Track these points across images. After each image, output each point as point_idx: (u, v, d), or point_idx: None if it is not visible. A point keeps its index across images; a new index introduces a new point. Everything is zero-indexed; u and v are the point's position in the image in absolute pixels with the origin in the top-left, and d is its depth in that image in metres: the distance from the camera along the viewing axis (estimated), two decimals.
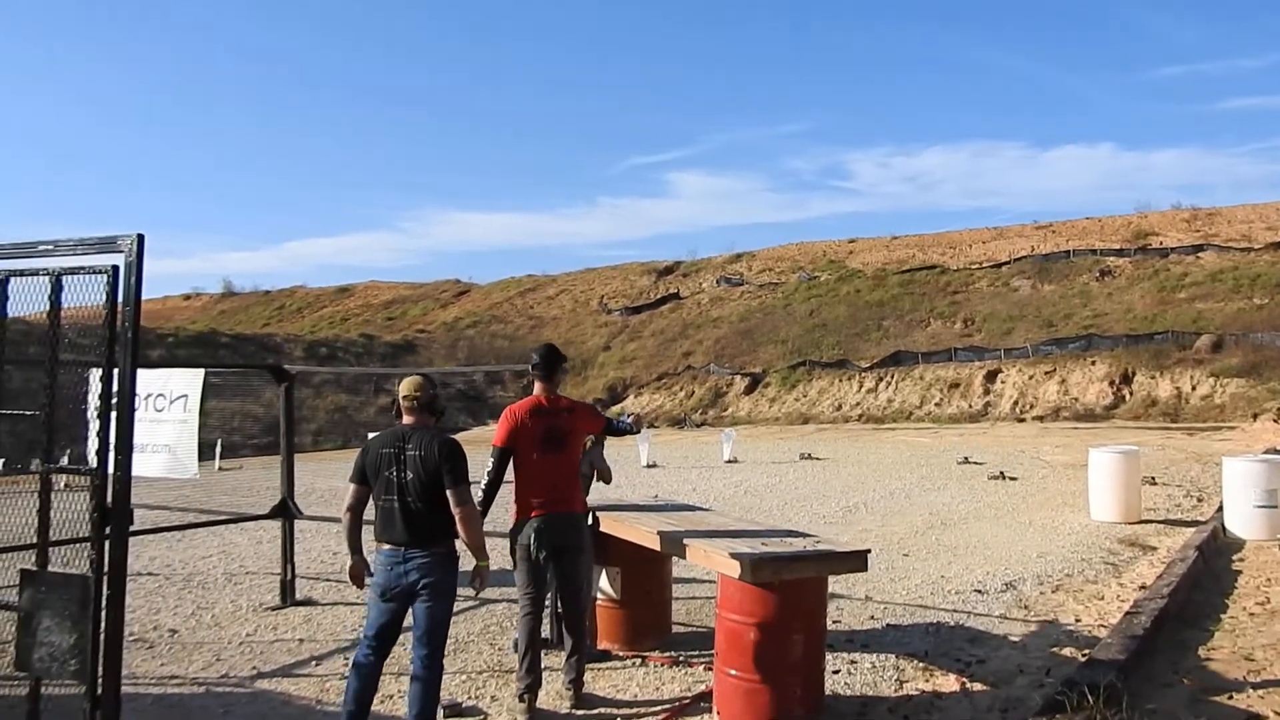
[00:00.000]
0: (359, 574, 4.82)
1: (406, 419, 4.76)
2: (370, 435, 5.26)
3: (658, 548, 5.85)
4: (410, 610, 4.66)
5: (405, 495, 4.58)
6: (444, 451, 4.60)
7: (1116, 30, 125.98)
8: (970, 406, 32.78)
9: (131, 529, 3.84)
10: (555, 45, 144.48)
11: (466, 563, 4.67)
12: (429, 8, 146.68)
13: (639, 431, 6.32)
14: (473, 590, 4.75)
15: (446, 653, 6.44)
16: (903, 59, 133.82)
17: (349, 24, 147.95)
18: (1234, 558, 9.22)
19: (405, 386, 4.81)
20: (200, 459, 7.82)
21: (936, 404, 33.53)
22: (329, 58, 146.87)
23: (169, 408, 7.70)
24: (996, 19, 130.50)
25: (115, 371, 3.71)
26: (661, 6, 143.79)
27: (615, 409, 35.92)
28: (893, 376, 35.61)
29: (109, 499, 3.71)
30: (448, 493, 4.56)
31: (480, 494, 5.26)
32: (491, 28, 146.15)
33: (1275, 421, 25.39)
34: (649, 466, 19.54)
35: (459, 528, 4.60)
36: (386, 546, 4.63)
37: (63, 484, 4.61)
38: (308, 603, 7.95)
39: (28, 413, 4.13)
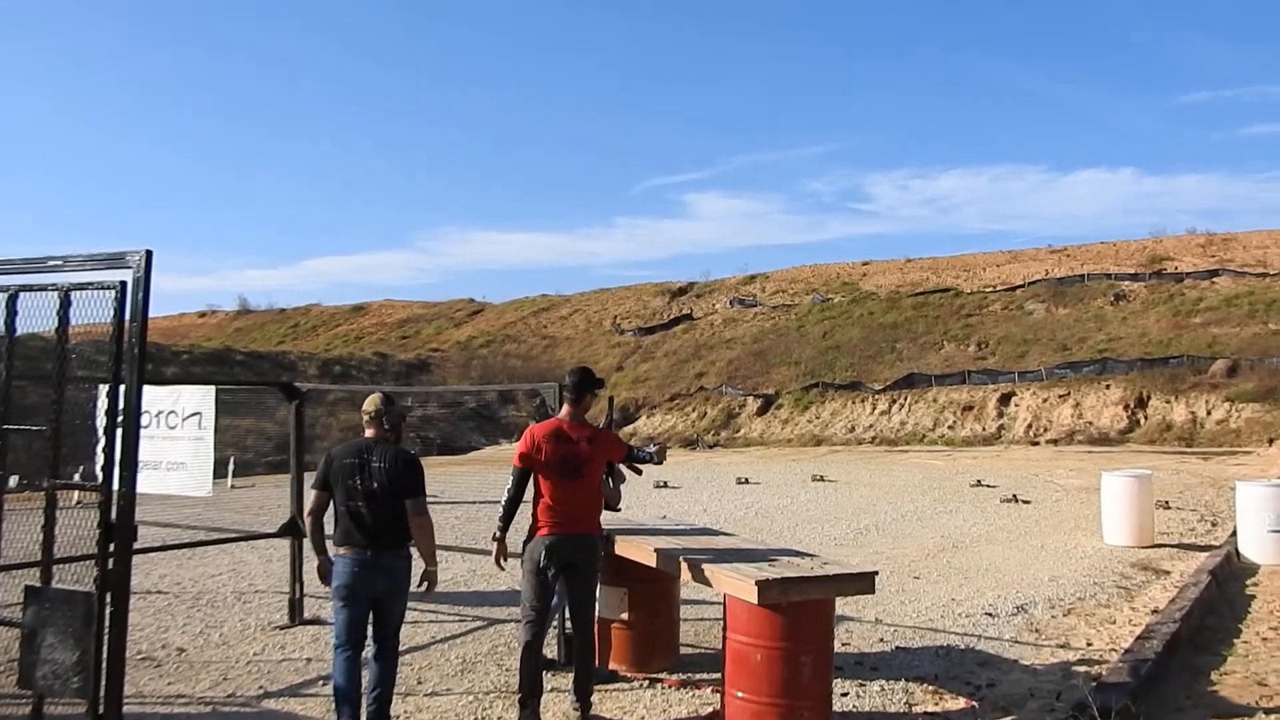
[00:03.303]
0: (326, 573, 5.19)
1: (368, 432, 5.18)
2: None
3: (664, 568, 5.84)
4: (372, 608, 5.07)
5: (370, 503, 4.97)
6: (406, 466, 5.05)
7: (1142, 54, 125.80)
8: (984, 429, 32.60)
9: (141, 546, 3.87)
10: (578, 67, 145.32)
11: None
12: (451, 28, 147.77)
13: (661, 462, 6.22)
14: (420, 589, 5.17)
15: (453, 673, 6.49)
16: (927, 81, 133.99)
17: (372, 42, 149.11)
18: (1248, 582, 9.13)
19: (367, 403, 5.24)
20: (214, 476, 7.85)
21: (950, 427, 33.36)
22: (352, 75, 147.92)
23: (182, 425, 7.74)
24: (1022, 42, 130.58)
25: (121, 388, 3.73)
26: (687, 30, 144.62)
27: (628, 429, 35.88)
28: (906, 399, 35.46)
29: (113, 515, 3.73)
30: (407, 503, 4.98)
31: (500, 510, 5.47)
32: (516, 48, 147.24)
33: None
34: (659, 486, 19.49)
35: (415, 535, 5.03)
36: (348, 551, 5.00)
37: (74, 500, 4.64)
38: (316, 622, 7.94)
39: (35, 429, 4.16)
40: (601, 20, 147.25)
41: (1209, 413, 29.52)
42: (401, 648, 7.01)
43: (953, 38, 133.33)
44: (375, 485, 4.96)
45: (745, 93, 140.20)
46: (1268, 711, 5.40)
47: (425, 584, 5.15)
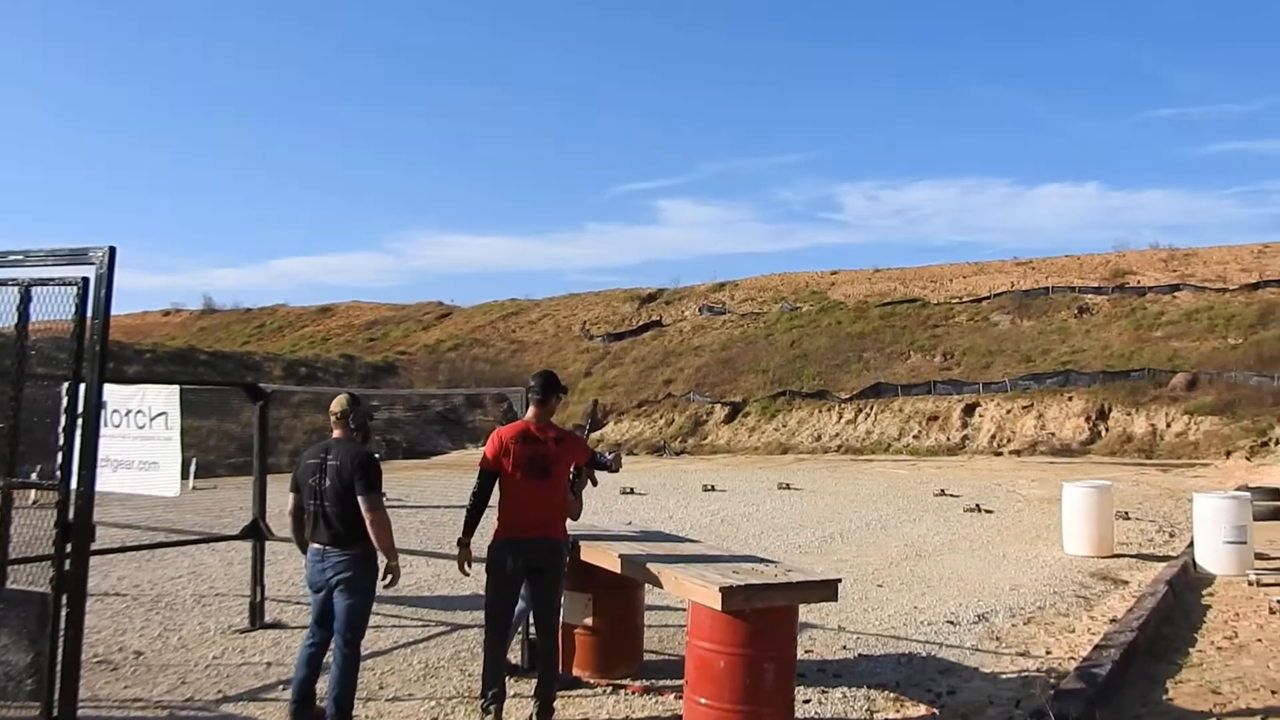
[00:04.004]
0: None
1: (335, 432, 5.33)
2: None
3: (628, 574, 5.84)
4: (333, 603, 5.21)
5: (324, 500, 5.12)
6: (357, 462, 5.12)
7: (1108, 71, 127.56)
8: (948, 439, 32.89)
9: (99, 547, 3.81)
10: (553, 72, 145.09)
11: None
12: (426, 26, 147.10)
13: (617, 470, 6.28)
14: (384, 584, 5.24)
15: (415, 678, 6.45)
16: (899, 93, 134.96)
17: (347, 37, 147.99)
18: (1203, 592, 9.27)
19: (333, 404, 5.37)
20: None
21: (915, 436, 33.62)
22: (326, 73, 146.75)
23: (150, 424, 7.65)
24: (992, 57, 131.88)
25: (82, 386, 3.68)
26: (660, 37, 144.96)
27: (594, 437, 35.82)
28: (872, 408, 35.71)
29: (71, 515, 3.68)
30: (359, 499, 5.05)
31: (465, 514, 5.48)
32: (491, 50, 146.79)
33: (1247, 459, 25.64)
34: (626, 493, 19.49)
35: (370, 530, 5.08)
36: (314, 546, 5.23)
37: (31, 499, 4.57)
38: (277, 626, 7.87)
39: None
40: (577, 22, 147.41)
41: (1168, 425, 29.96)
42: (364, 652, 6.98)
43: (925, 52, 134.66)
44: (329, 483, 5.11)
45: (717, 101, 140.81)
46: (1220, 719, 5.49)
47: (389, 578, 5.20)
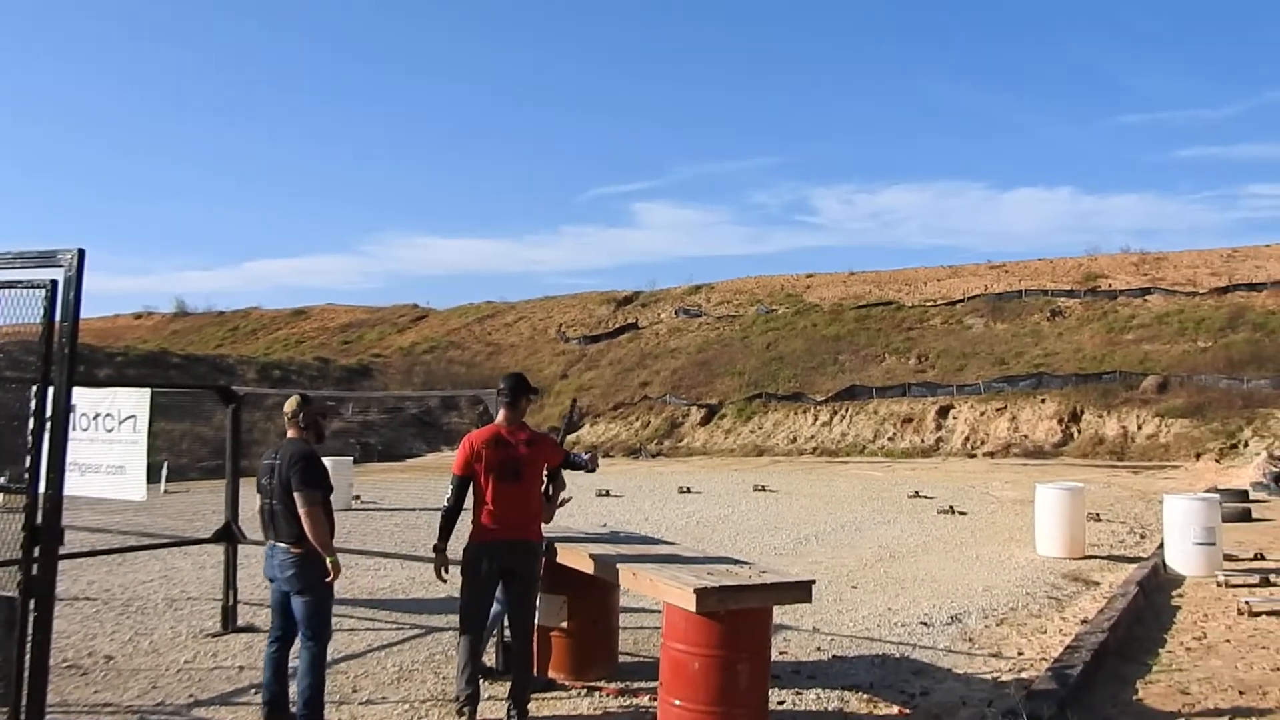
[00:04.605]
0: None
1: (289, 433, 5.45)
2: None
3: (603, 576, 5.84)
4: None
5: (271, 498, 5.25)
6: (295, 460, 5.19)
7: (1081, 76, 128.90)
8: (923, 441, 33.07)
9: (68, 551, 3.77)
10: (529, 74, 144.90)
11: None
12: (403, 28, 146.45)
13: (593, 470, 6.30)
14: (325, 579, 5.22)
15: (389, 681, 6.42)
16: (875, 97, 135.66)
17: (322, 38, 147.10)
18: (1173, 593, 9.37)
19: (286, 405, 5.50)
20: (147, 481, 7.69)
21: (890, 438, 33.78)
22: (298, 73, 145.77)
23: (119, 428, 7.58)
24: (967, 62, 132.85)
25: (50, 389, 3.65)
26: (638, 41, 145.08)
27: (570, 439, 35.77)
28: (847, 410, 35.84)
29: (39, 518, 3.64)
30: (295, 495, 5.12)
31: (439, 521, 5.50)
32: (466, 52, 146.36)
33: (1217, 461, 25.93)
34: (602, 495, 19.48)
35: (305, 526, 5.12)
36: (269, 542, 5.35)
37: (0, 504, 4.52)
38: (249, 629, 7.80)
39: None
40: (554, 24, 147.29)
41: (1140, 427, 30.25)
42: (337, 655, 6.95)
43: (901, 57, 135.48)
44: (275, 482, 5.23)
45: (694, 104, 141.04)
46: (1189, 718, 5.55)
47: (329, 575, 5.22)
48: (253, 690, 6.16)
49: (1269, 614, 8.08)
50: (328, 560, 5.15)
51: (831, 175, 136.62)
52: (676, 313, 51.31)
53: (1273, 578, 9.79)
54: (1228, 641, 7.32)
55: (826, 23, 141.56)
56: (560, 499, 6.25)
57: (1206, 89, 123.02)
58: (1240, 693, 6.01)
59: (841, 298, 48.27)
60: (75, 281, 3.61)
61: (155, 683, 6.40)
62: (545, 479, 5.88)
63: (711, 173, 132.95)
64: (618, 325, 51.55)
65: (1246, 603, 8.33)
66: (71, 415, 6.44)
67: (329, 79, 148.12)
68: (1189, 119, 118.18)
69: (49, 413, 3.66)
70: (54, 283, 3.69)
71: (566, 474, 6.18)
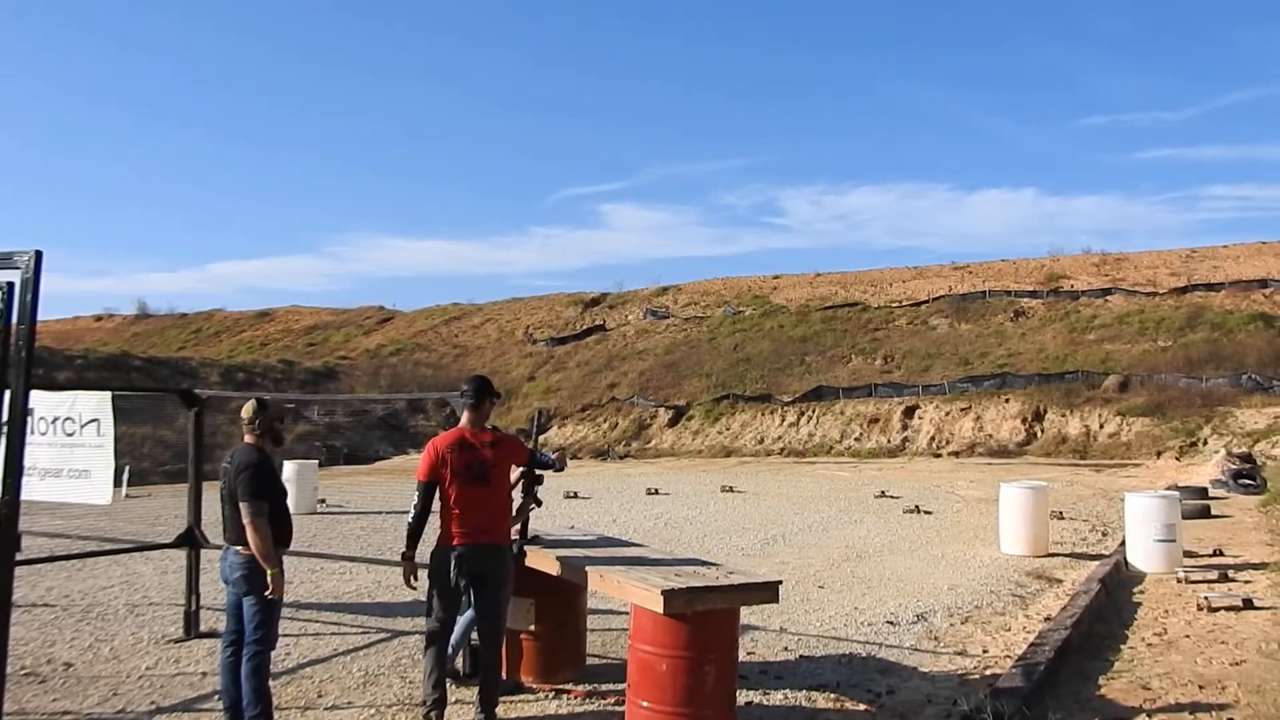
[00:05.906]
0: None
1: (246, 438, 5.46)
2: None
3: (570, 578, 5.83)
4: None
5: (223, 502, 5.33)
6: (240, 468, 5.23)
7: (1044, 79, 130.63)
8: (889, 441, 33.30)
9: (25, 557, 3.71)
10: (496, 75, 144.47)
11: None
12: (370, 33, 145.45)
13: (561, 469, 6.30)
14: (265, 592, 5.18)
15: (355, 686, 6.38)
16: (841, 99, 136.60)
17: (283, 38, 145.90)
18: (1135, 590, 9.49)
19: (243, 410, 5.50)
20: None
21: (856, 439, 33.98)
22: (261, 73, 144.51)
23: (80, 431, 7.48)
24: (932, 65, 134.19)
25: (6, 393, 3.59)
26: (606, 43, 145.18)
27: (539, 441, 35.64)
28: (814, 411, 36.02)
29: None
30: (239, 505, 5.16)
31: (406, 527, 5.45)
32: (432, 54, 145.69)
33: (1177, 459, 26.32)
34: (569, 497, 19.44)
35: (248, 536, 5.13)
36: (225, 545, 5.38)
37: None
38: (212, 635, 7.68)
39: None
40: (521, 26, 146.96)
41: (1101, 426, 30.64)
42: (303, 660, 6.90)
43: (868, 59, 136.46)
44: (226, 487, 5.28)
45: (662, 105, 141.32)
46: (1150, 714, 5.63)
47: (269, 587, 5.19)
48: (215, 696, 6.08)
49: (1227, 609, 8.20)
50: (269, 573, 5.13)
51: (799, 177, 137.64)
52: (644, 314, 51.34)
53: (1231, 573, 9.94)
54: (1187, 637, 7.43)
55: (794, 25, 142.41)
56: (529, 505, 6.25)
57: (1168, 91, 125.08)
58: (1200, 687, 6.10)
59: (808, 299, 48.51)
60: (33, 283, 3.55)
61: (116, 690, 6.31)
62: (520, 480, 5.88)
63: (680, 174, 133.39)
64: (585, 327, 51.49)
65: (1206, 598, 8.46)
66: (30, 419, 6.35)
67: (293, 83, 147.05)
68: (1151, 121, 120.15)
69: (5, 417, 3.59)
70: (10, 285, 3.63)
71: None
